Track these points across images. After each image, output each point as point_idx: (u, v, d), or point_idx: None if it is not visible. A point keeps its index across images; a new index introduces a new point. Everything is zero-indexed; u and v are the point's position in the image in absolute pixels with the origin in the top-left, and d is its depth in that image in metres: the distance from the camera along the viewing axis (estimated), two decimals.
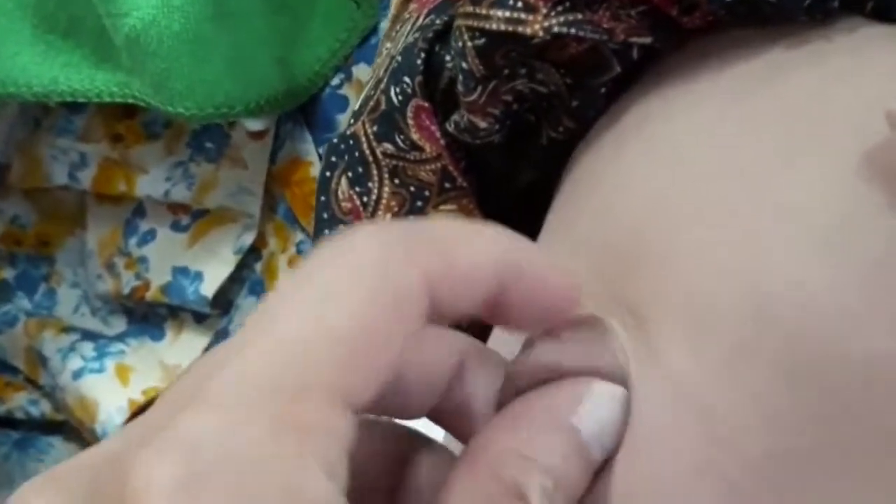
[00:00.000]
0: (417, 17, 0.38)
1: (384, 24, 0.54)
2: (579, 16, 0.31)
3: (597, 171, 0.32)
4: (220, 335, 0.57)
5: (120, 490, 0.21)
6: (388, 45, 0.41)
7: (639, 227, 0.28)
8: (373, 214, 0.37)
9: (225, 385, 0.22)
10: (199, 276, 0.57)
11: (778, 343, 0.25)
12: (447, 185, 0.36)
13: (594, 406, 0.26)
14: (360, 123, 0.38)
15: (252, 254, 0.57)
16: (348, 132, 0.38)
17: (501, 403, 0.27)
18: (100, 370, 0.58)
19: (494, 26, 0.32)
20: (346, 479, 0.22)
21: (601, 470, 0.26)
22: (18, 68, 0.54)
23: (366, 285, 0.23)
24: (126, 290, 0.57)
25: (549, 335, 0.27)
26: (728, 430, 0.26)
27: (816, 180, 0.27)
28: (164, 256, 0.57)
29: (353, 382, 0.22)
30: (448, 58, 0.35)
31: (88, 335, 0.59)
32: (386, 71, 0.37)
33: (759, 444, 0.25)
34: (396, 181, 0.37)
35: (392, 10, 0.44)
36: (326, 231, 0.38)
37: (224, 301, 0.57)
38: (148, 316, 0.59)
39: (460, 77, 0.33)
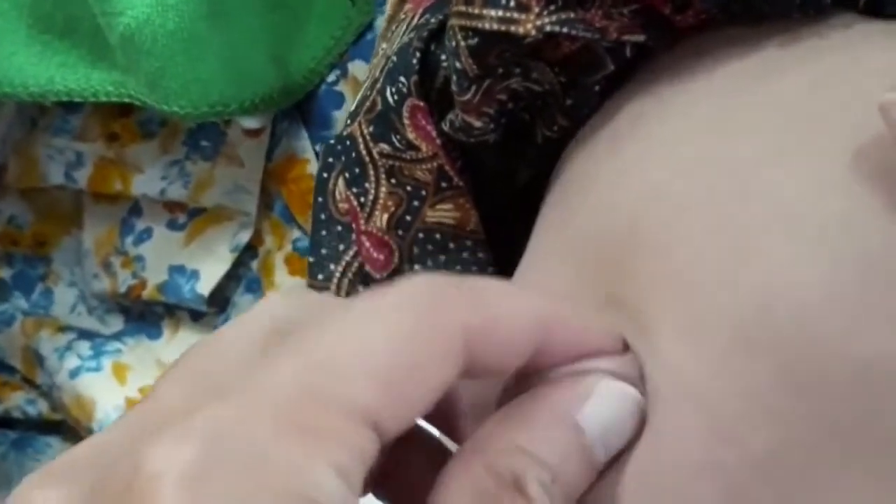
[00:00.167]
0: (413, 17, 0.38)
1: (380, 21, 0.54)
2: (572, 14, 0.31)
3: (591, 170, 0.32)
4: None
5: (130, 478, 0.21)
6: (384, 45, 0.41)
7: (635, 225, 0.29)
8: (370, 214, 0.37)
9: (252, 386, 0.23)
10: (195, 275, 0.57)
11: (777, 341, 0.26)
12: (443, 184, 0.36)
13: (600, 405, 0.26)
14: (356, 124, 0.38)
15: (248, 251, 0.57)
16: (345, 133, 0.38)
17: (502, 401, 0.27)
18: (97, 369, 0.58)
19: (487, 26, 0.32)
20: (360, 487, 0.22)
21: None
22: (14, 68, 0.54)
23: (407, 323, 0.23)
24: (122, 289, 0.57)
25: None
26: (729, 426, 0.26)
27: (811, 178, 0.27)
28: (160, 255, 0.57)
29: (377, 405, 0.23)
30: (443, 57, 0.35)
31: (85, 334, 0.59)
32: (382, 71, 0.37)
33: (761, 441, 0.25)
34: (393, 181, 0.37)
35: (388, 10, 0.44)
36: (324, 232, 0.39)
37: (221, 299, 0.57)
38: (144, 315, 0.59)
39: (454, 77, 0.33)
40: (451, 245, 0.37)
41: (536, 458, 0.25)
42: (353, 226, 0.38)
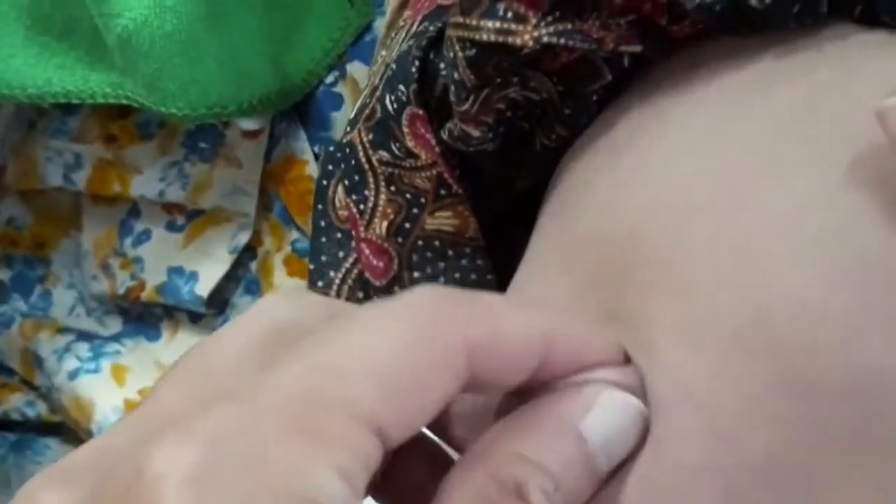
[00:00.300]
0: (412, 24, 0.38)
1: (378, 23, 0.54)
2: (569, 26, 0.31)
3: (590, 181, 0.32)
4: None
5: (132, 480, 0.22)
6: (384, 52, 0.41)
7: (634, 236, 0.29)
8: (369, 222, 0.38)
9: (255, 388, 0.23)
10: (194, 276, 0.57)
11: (776, 345, 0.26)
12: (443, 191, 0.37)
13: (602, 415, 0.26)
14: (356, 131, 0.38)
15: (247, 252, 0.57)
16: (344, 140, 0.38)
17: (503, 411, 0.27)
18: (95, 371, 0.58)
19: (485, 37, 0.32)
20: (363, 490, 0.22)
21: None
22: (12, 70, 0.54)
23: (410, 334, 0.24)
24: (121, 291, 0.57)
25: None
26: (729, 430, 0.26)
27: (809, 188, 0.27)
28: (159, 257, 0.57)
29: (381, 411, 0.23)
30: (442, 65, 0.35)
31: (84, 336, 0.59)
32: (381, 79, 0.37)
33: (761, 444, 0.26)
34: (392, 188, 0.37)
35: (387, 17, 0.44)
36: (324, 239, 0.39)
37: (219, 300, 0.57)
38: (143, 316, 0.60)
39: (452, 87, 0.33)
40: (451, 252, 0.37)
41: (539, 467, 0.25)
42: (353, 233, 0.38)
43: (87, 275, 0.59)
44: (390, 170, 0.37)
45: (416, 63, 0.36)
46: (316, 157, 0.54)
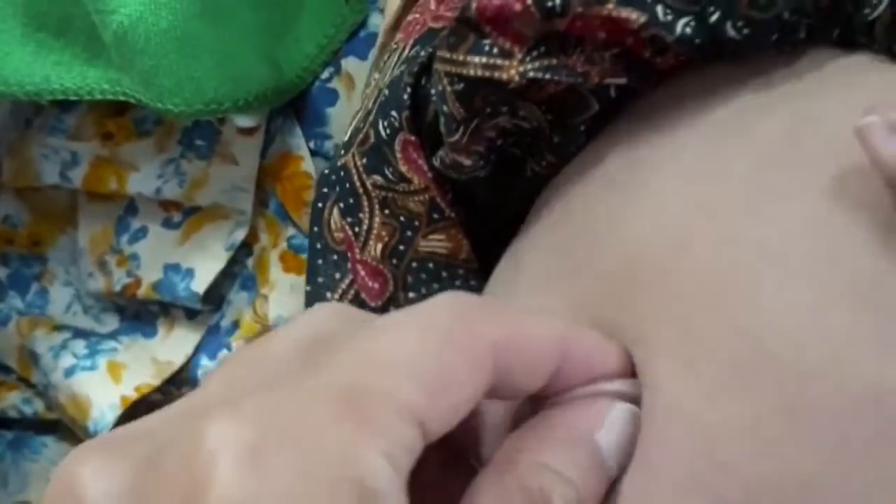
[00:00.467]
0: (404, 48, 0.39)
1: (373, 19, 0.54)
2: (554, 61, 0.32)
3: (588, 211, 0.33)
4: (212, 331, 0.57)
5: (190, 453, 0.23)
6: (377, 75, 0.42)
7: (633, 265, 0.30)
8: (364, 244, 0.38)
9: (308, 377, 0.24)
10: (190, 273, 0.57)
11: (770, 372, 0.27)
12: (435, 215, 0.38)
13: (614, 424, 0.28)
14: (350, 155, 0.39)
15: (243, 249, 0.57)
16: (339, 163, 0.39)
17: (517, 419, 0.29)
18: (92, 368, 0.58)
19: (472, 72, 0.33)
20: (406, 479, 0.23)
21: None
22: (10, 68, 0.54)
23: (443, 335, 0.25)
24: (117, 288, 0.58)
25: None
26: (722, 453, 0.27)
27: (796, 217, 0.28)
28: (155, 254, 0.57)
29: (424, 406, 0.24)
30: (433, 91, 0.35)
31: (80, 333, 0.59)
32: (374, 103, 0.38)
33: (756, 467, 0.27)
34: (386, 212, 0.38)
35: (380, 38, 0.45)
36: (320, 261, 0.40)
37: (216, 297, 0.58)
38: (140, 313, 0.60)
39: (442, 119, 0.34)
40: (444, 274, 0.38)
41: (562, 477, 0.26)
42: (349, 255, 0.39)
43: (84, 272, 0.59)
44: (384, 193, 0.38)
45: (408, 90, 0.36)
46: (312, 153, 0.55)
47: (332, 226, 0.39)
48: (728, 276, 0.28)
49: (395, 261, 0.38)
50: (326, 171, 0.40)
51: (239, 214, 0.57)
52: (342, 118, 0.54)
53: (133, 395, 0.57)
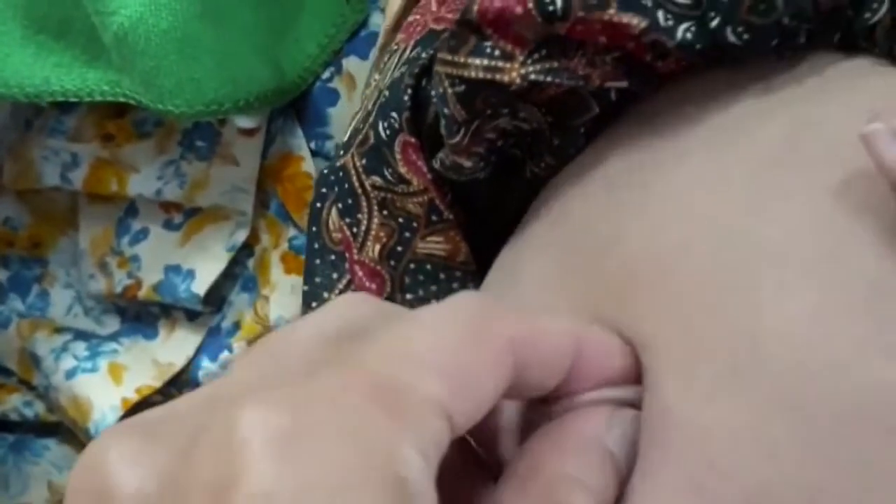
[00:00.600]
0: (405, 49, 0.39)
1: (374, 18, 0.54)
2: (555, 64, 0.32)
3: (588, 213, 0.33)
4: (213, 332, 0.57)
5: (223, 439, 0.23)
6: (377, 76, 0.42)
7: (632, 266, 0.30)
8: (362, 245, 0.39)
9: (339, 367, 0.24)
10: (191, 274, 0.57)
11: (770, 375, 0.27)
12: (434, 217, 0.38)
13: (622, 428, 0.28)
14: (349, 156, 0.39)
15: (244, 250, 0.57)
16: (338, 164, 0.39)
17: (528, 424, 0.29)
18: (93, 369, 0.58)
19: (473, 74, 0.33)
20: (435, 473, 0.23)
21: None
22: (10, 69, 0.54)
23: (465, 331, 0.25)
24: (118, 290, 0.57)
25: None
26: (720, 457, 0.27)
27: (798, 219, 0.28)
28: (156, 255, 0.57)
29: (451, 400, 0.24)
30: (434, 93, 0.35)
31: (81, 335, 0.59)
32: (374, 104, 0.38)
33: (756, 473, 0.26)
34: (385, 213, 0.38)
35: (380, 39, 0.45)
36: (318, 261, 0.40)
37: (217, 298, 0.58)
38: (140, 315, 0.60)
39: (443, 121, 0.34)
40: (442, 276, 0.39)
41: (584, 485, 0.27)
42: (347, 255, 0.39)
43: (85, 274, 0.59)
44: (383, 194, 0.38)
45: (409, 92, 0.36)
46: (313, 153, 0.55)
47: (331, 226, 0.39)
48: (728, 277, 0.28)
49: (392, 262, 0.38)
50: (325, 171, 0.40)
51: (240, 215, 0.57)
52: (343, 118, 0.54)
53: (134, 397, 0.57)
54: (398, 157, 0.37)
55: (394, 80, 0.37)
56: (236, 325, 0.57)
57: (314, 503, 0.22)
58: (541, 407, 0.29)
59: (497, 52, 0.32)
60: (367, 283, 0.39)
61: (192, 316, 0.58)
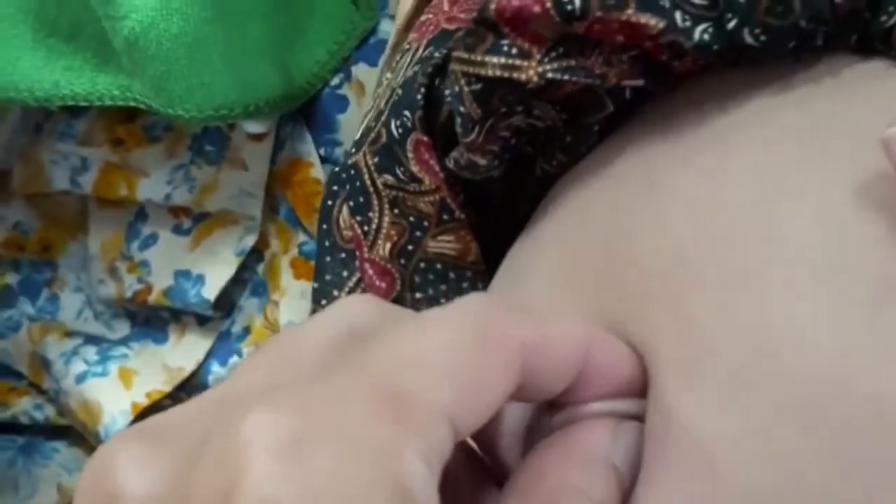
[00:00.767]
0: (417, 48, 0.39)
1: (384, 26, 0.54)
2: (572, 62, 0.32)
3: (596, 208, 0.33)
4: (223, 337, 0.57)
5: (228, 442, 0.23)
6: (389, 74, 0.42)
7: (641, 265, 0.30)
8: (373, 243, 0.38)
9: (343, 371, 0.24)
10: (200, 279, 0.57)
11: (778, 381, 0.26)
12: (445, 216, 0.38)
13: (626, 441, 0.28)
14: (361, 154, 0.39)
15: (254, 255, 0.57)
16: (349, 162, 0.39)
17: (533, 434, 0.29)
18: (103, 374, 0.58)
19: (490, 72, 0.33)
20: (438, 479, 0.23)
21: None
22: (20, 73, 0.54)
23: (473, 335, 0.25)
24: (128, 294, 0.57)
25: None
26: (726, 464, 0.26)
27: (811, 218, 0.28)
28: (165, 260, 0.57)
29: (455, 406, 0.24)
30: (447, 92, 0.35)
31: (91, 339, 0.59)
32: (387, 103, 0.38)
33: (762, 481, 0.26)
34: (396, 211, 0.38)
35: (392, 38, 0.45)
36: (328, 258, 0.40)
37: (226, 303, 0.57)
38: (150, 319, 0.60)
39: (458, 119, 0.34)
40: (452, 275, 0.38)
41: (587, 496, 0.27)
42: (357, 253, 0.39)
43: (95, 278, 0.59)
44: (394, 193, 0.38)
45: (422, 90, 0.36)
46: (322, 159, 0.55)
47: (341, 224, 0.39)
48: (737, 279, 0.28)
49: (403, 261, 0.38)
50: (337, 170, 0.40)
51: (249, 220, 0.57)
52: (353, 125, 0.54)
53: (144, 402, 0.57)
54: (410, 155, 0.37)
55: (407, 79, 0.37)
56: (246, 330, 0.57)
57: None
58: (545, 411, 0.29)
59: (514, 51, 0.32)
60: (377, 282, 0.39)
61: (202, 321, 0.58)
